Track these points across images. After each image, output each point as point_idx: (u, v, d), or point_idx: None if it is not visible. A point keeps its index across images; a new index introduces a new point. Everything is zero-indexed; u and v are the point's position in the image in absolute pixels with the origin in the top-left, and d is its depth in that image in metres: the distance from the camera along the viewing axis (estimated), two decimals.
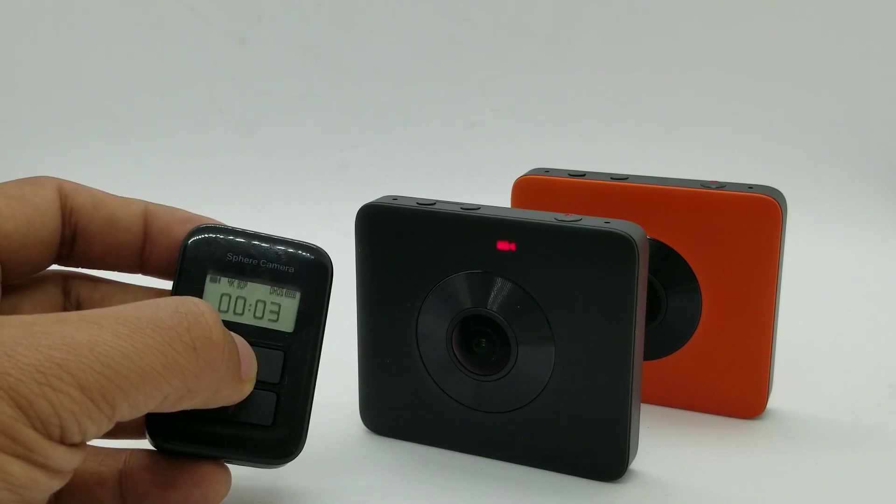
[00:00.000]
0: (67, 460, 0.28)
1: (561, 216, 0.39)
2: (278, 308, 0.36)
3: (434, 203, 0.41)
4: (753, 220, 0.44)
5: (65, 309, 0.37)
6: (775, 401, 0.48)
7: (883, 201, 0.88)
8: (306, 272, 0.36)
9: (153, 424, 0.35)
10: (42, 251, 0.35)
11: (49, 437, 0.27)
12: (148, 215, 0.37)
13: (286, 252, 0.36)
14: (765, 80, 0.94)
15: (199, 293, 0.36)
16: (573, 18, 0.96)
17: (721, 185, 0.45)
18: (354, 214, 0.42)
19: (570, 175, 0.47)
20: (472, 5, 0.96)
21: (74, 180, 0.37)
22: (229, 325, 0.34)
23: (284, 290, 0.36)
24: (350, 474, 0.42)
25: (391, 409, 0.44)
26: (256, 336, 0.35)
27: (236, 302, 0.36)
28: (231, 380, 0.32)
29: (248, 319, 0.36)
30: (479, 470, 0.42)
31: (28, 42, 0.95)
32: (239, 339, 0.34)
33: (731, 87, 0.95)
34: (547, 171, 0.48)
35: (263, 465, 0.36)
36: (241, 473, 0.41)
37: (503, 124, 0.95)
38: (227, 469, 0.36)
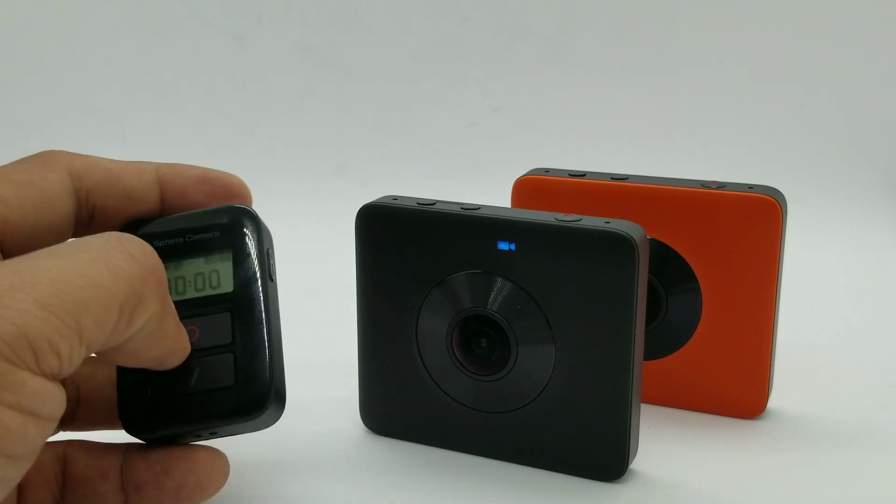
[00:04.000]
0: (44, 395, 0.26)
1: (561, 216, 0.39)
2: (217, 274, 0.35)
3: (434, 203, 0.41)
4: (753, 220, 0.44)
5: None
6: (775, 401, 0.48)
7: (883, 201, 0.88)
8: (231, 231, 0.36)
9: (128, 420, 0.34)
10: (52, 237, 0.35)
11: (23, 364, 0.26)
12: (162, 182, 0.37)
13: (205, 219, 0.36)
14: (765, 80, 0.94)
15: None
16: (573, 18, 0.96)
17: (721, 185, 0.45)
18: (354, 214, 0.42)
19: (570, 175, 0.47)
20: (472, 5, 0.96)
21: None
22: (178, 307, 0.34)
23: (217, 255, 0.35)
24: (350, 474, 0.42)
25: (391, 409, 0.44)
26: (201, 306, 0.35)
27: (177, 283, 0.36)
28: (173, 313, 0.32)
29: (190, 294, 0.35)
30: (479, 470, 0.42)
31: (28, 42, 0.95)
32: None
33: (731, 87, 0.94)
34: (547, 171, 0.48)
35: (243, 424, 0.35)
36: (240, 473, 0.41)
37: (503, 124, 0.95)
38: (222, 456, 0.35)
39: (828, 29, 0.94)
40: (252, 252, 0.36)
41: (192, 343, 0.34)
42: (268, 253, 0.36)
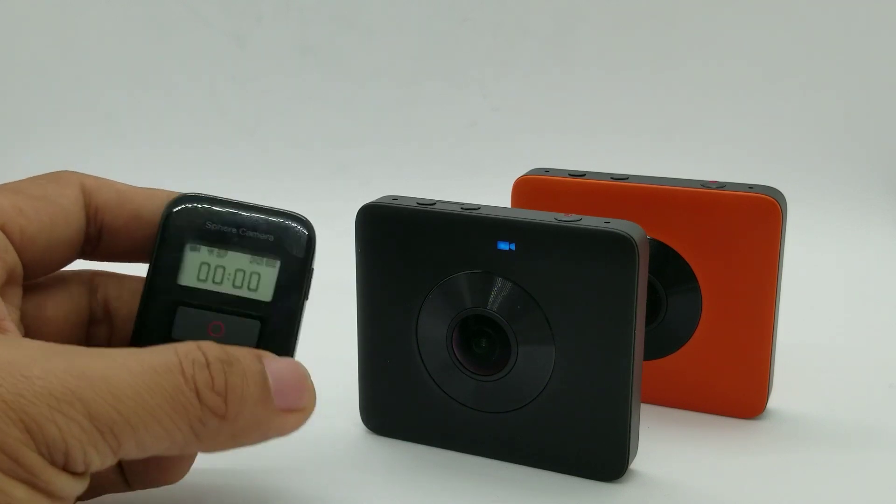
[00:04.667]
0: (70, 488, 0.28)
1: (561, 216, 0.39)
2: (258, 277, 0.35)
3: (434, 203, 0.41)
4: (753, 220, 0.44)
5: (91, 308, 0.37)
6: (775, 401, 0.48)
7: (883, 201, 0.88)
8: (287, 241, 0.36)
9: None
10: (66, 250, 0.35)
11: (53, 463, 0.27)
12: None
13: (267, 221, 0.36)
14: (765, 80, 0.94)
15: (177, 262, 0.35)
16: (573, 18, 0.96)
17: (721, 185, 0.45)
18: (354, 214, 0.42)
19: (570, 175, 0.47)
20: (472, 5, 0.96)
21: None
22: (207, 294, 0.34)
23: (265, 260, 0.35)
24: (350, 474, 0.42)
25: (391, 409, 0.44)
26: (234, 305, 0.35)
27: (215, 271, 0.35)
28: (253, 423, 0.32)
29: (226, 288, 0.35)
30: (479, 470, 0.42)
31: (28, 42, 0.95)
32: (285, 369, 0.33)
33: (731, 86, 0.94)
34: (547, 171, 0.48)
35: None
36: (240, 473, 0.41)
37: (503, 124, 0.95)
38: None
39: (828, 29, 0.94)
40: (300, 269, 0.35)
41: (216, 339, 0.34)
42: (311, 271, 0.36)
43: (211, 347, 0.31)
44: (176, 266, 0.35)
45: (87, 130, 0.93)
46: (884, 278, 0.72)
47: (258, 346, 0.35)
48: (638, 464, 0.42)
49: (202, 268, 0.35)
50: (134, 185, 0.37)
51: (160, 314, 0.35)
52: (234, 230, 0.36)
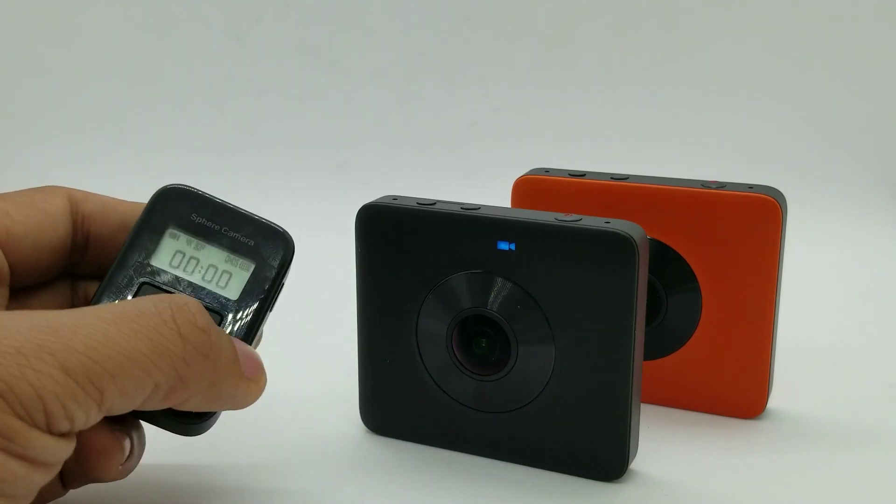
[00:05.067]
0: (52, 450, 0.27)
1: (561, 216, 0.39)
2: (229, 277, 0.36)
3: (434, 203, 0.41)
4: (753, 220, 0.44)
5: (73, 305, 0.37)
6: (775, 401, 0.48)
7: (883, 201, 0.88)
8: (266, 250, 0.36)
9: None
10: (52, 256, 0.36)
11: (34, 424, 0.26)
12: None
13: (252, 226, 0.36)
14: (765, 80, 0.94)
15: (155, 244, 0.36)
16: (573, 18, 0.96)
17: (721, 185, 0.45)
18: (354, 214, 0.42)
19: (570, 175, 0.47)
20: (472, 5, 0.96)
21: (75, 180, 0.38)
22: (175, 280, 0.35)
23: (240, 261, 0.36)
24: (350, 474, 0.42)
25: (391, 409, 0.44)
26: (198, 295, 0.35)
27: (189, 261, 0.36)
28: (230, 374, 0.32)
29: (195, 279, 0.36)
30: (479, 470, 0.42)
31: (28, 42, 0.95)
32: (238, 342, 0.34)
33: (731, 87, 0.94)
34: (547, 171, 0.48)
35: (180, 432, 0.35)
36: (240, 473, 0.41)
37: (503, 124, 0.95)
38: (118, 440, 0.34)
39: (828, 29, 0.94)
40: (271, 277, 0.36)
41: None
42: (281, 285, 0.36)
43: (182, 294, 0.32)
44: (152, 247, 0.36)
45: (87, 130, 0.93)
46: (883, 278, 0.72)
47: None
48: (638, 464, 0.42)
49: (177, 255, 0.36)
50: (128, 192, 0.38)
51: (123, 287, 0.35)
52: (217, 227, 0.36)
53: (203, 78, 0.95)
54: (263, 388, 0.34)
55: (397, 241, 0.42)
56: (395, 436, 0.45)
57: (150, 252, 0.36)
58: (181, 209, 0.36)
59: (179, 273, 0.36)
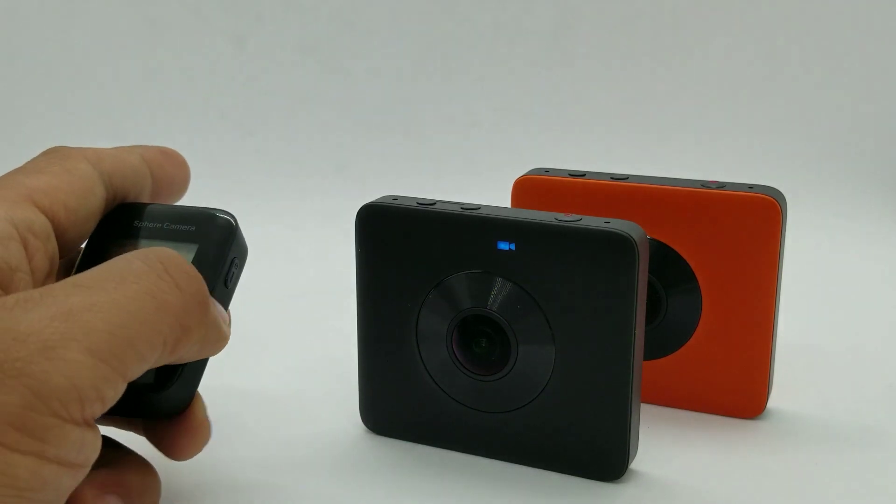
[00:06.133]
0: (84, 444, 0.27)
1: (561, 216, 0.39)
2: None
3: (434, 203, 0.41)
4: (753, 220, 0.44)
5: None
6: (775, 401, 0.48)
7: (883, 201, 0.88)
8: (206, 229, 0.36)
9: None
10: (94, 223, 0.35)
11: (69, 418, 0.26)
12: (143, 157, 0.38)
13: (191, 214, 0.37)
14: (765, 80, 0.94)
15: (100, 255, 0.36)
16: (573, 18, 0.96)
17: (721, 185, 0.45)
18: (354, 214, 0.42)
19: (570, 175, 0.47)
20: (472, 5, 0.96)
21: None
22: None
23: (182, 246, 0.36)
24: (350, 474, 0.42)
25: (391, 409, 0.44)
26: None
27: None
28: (215, 320, 0.32)
29: None
30: (479, 470, 0.42)
31: (27, 42, 0.95)
32: None
33: (731, 86, 0.95)
34: (547, 171, 0.48)
35: (152, 416, 0.35)
36: (240, 473, 0.41)
37: (503, 124, 0.95)
38: (152, 472, 0.34)
39: (828, 28, 0.94)
40: (214, 254, 0.36)
41: None
42: (233, 262, 0.36)
43: (160, 247, 0.32)
44: (96, 258, 0.36)
45: (87, 130, 0.93)
46: (884, 278, 0.72)
47: None
48: (638, 464, 0.42)
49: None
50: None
51: None
52: (157, 224, 0.37)
53: (203, 78, 0.95)
54: (227, 340, 0.34)
55: (397, 241, 0.42)
56: (395, 436, 0.45)
57: (96, 261, 0.35)
58: (122, 220, 0.37)
59: None
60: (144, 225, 0.37)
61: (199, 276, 0.32)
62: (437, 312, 0.42)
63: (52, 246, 0.33)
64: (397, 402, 0.44)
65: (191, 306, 0.31)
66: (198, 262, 0.35)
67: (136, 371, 0.28)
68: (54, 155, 0.35)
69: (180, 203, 0.38)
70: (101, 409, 0.27)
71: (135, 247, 0.36)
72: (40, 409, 0.25)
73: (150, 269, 0.30)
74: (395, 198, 0.42)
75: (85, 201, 0.34)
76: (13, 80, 0.95)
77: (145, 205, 0.38)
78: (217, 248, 0.36)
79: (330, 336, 0.56)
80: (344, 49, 0.96)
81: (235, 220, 0.37)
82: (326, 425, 0.46)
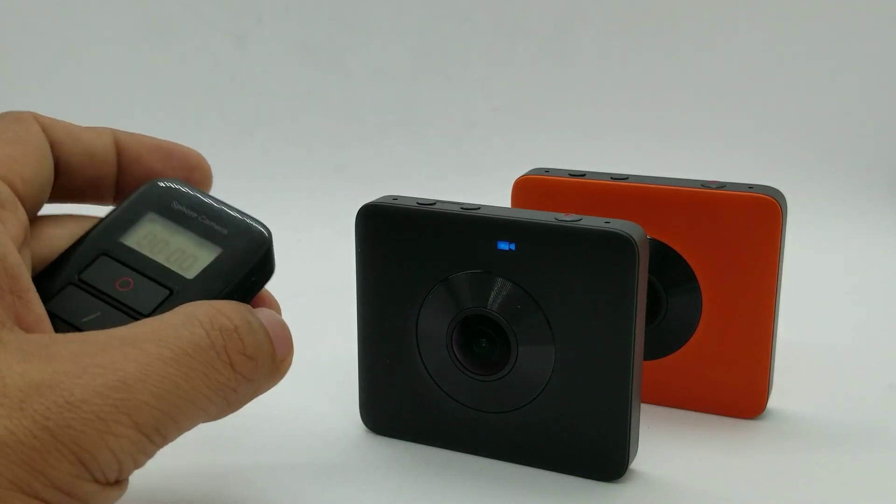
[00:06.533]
0: (113, 500, 0.28)
1: (561, 216, 0.39)
2: (194, 259, 0.35)
3: (434, 203, 0.41)
4: (753, 220, 0.44)
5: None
6: (775, 401, 0.48)
7: (883, 201, 0.88)
8: (236, 238, 0.35)
9: None
10: (47, 191, 0.34)
11: (106, 482, 0.27)
12: (119, 145, 0.37)
13: (228, 216, 0.36)
14: (765, 80, 0.94)
15: (130, 224, 0.35)
16: (573, 18, 0.96)
17: (721, 185, 0.45)
18: (354, 214, 0.42)
19: (570, 175, 0.47)
20: (472, 5, 0.96)
21: None
22: (136, 256, 0.34)
23: (208, 245, 0.35)
24: (350, 474, 0.42)
25: (391, 409, 0.44)
26: (155, 272, 0.34)
27: (157, 243, 0.35)
28: (267, 378, 0.32)
29: (158, 258, 0.35)
30: (479, 470, 0.42)
31: (27, 42, 0.95)
32: (272, 319, 0.33)
33: (731, 86, 0.95)
34: (547, 171, 0.48)
35: None
36: (240, 473, 0.41)
37: (503, 124, 0.95)
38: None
39: (828, 28, 0.94)
40: (232, 266, 0.35)
41: (118, 292, 0.34)
42: (253, 281, 0.35)
43: (227, 307, 0.31)
44: (126, 227, 0.35)
45: None
46: (884, 278, 0.72)
47: (155, 310, 0.34)
48: (638, 464, 0.42)
49: (148, 237, 0.35)
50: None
51: (83, 255, 0.35)
52: (195, 214, 0.36)
53: (203, 78, 0.95)
54: (290, 362, 0.34)
55: (397, 241, 0.42)
56: (395, 436, 0.45)
57: (123, 230, 0.35)
58: (164, 196, 0.36)
59: (145, 252, 0.35)
60: (182, 210, 0.36)
61: (256, 358, 0.31)
62: (437, 312, 0.42)
63: (22, 214, 0.32)
64: (397, 402, 0.44)
65: (240, 386, 0.30)
66: (214, 267, 0.35)
67: (172, 440, 0.29)
68: (8, 119, 0.34)
69: (228, 201, 0.37)
70: (133, 471, 0.28)
71: (167, 229, 0.35)
72: (86, 477, 0.26)
73: (210, 345, 0.29)
74: (395, 198, 0.42)
75: (40, 170, 0.33)
76: (13, 80, 0.95)
77: (192, 189, 0.37)
78: (238, 261, 0.35)
79: (330, 336, 0.56)
80: (344, 49, 0.96)
81: (269, 240, 0.36)
82: (326, 425, 0.46)
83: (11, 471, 0.25)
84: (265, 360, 0.31)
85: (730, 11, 0.96)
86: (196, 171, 0.38)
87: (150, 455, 0.28)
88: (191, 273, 0.35)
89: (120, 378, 0.27)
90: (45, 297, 0.33)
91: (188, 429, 0.29)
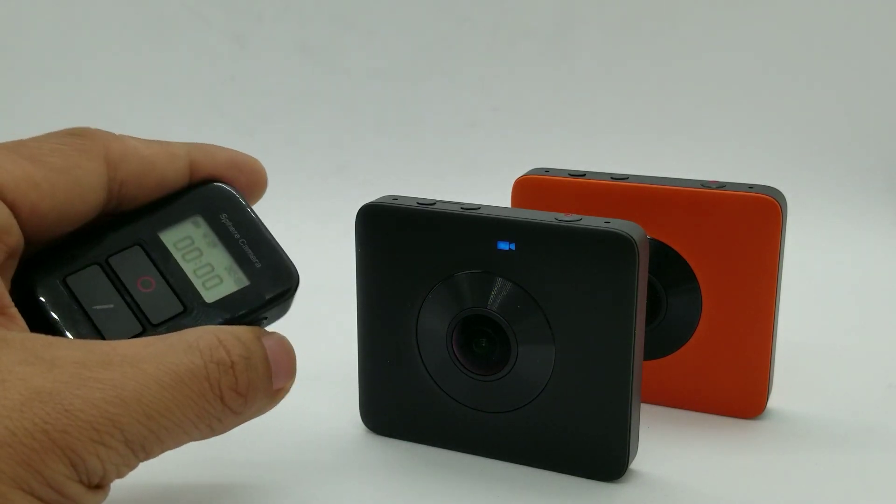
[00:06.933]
0: (97, 502, 0.29)
1: (561, 216, 0.39)
2: (219, 282, 0.35)
3: (434, 203, 0.41)
4: (753, 220, 0.44)
5: None
6: (775, 401, 0.48)
7: (883, 201, 0.88)
8: (266, 274, 0.35)
9: None
10: (76, 223, 0.34)
11: (90, 485, 0.28)
12: (193, 167, 0.36)
13: (267, 248, 0.36)
14: (765, 80, 0.94)
15: (174, 220, 0.35)
16: (573, 18, 0.96)
17: (721, 185, 0.45)
18: (354, 214, 0.42)
19: (570, 175, 0.47)
20: (472, 5, 0.96)
21: None
22: (167, 257, 0.34)
23: (236, 272, 0.35)
24: (350, 474, 0.42)
25: (391, 409, 0.44)
26: (178, 283, 0.34)
27: (191, 251, 0.35)
28: (257, 411, 0.33)
29: (186, 267, 0.35)
30: (479, 470, 0.42)
31: (27, 42, 0.95)
32: (277, 347, 0.33)
33: (731, 86, 0.94)
34: (547, 171, 0.48)
35: None
36: (239, 473, 0.41)
37: (503, 124, 0.95)
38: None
39: (828, 28, 0.94)
40: (255, 302, 0.35)
41: (137, 291, 0.34)
42: (263, 319, 0.35)
43: (230, 340, 0.32)
44: (169, 221, 0.35)
45: None
46: (884, 278, 0.72)
47: (162, 323, 0.34)
48: (638, 464, 0.42)
49: (185, 240, 0.35)
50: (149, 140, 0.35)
51: (119, 238, 0.34)
52: (237, 235, 0.36)
53: (203, 78, 0.95)
54: (285, 395, 0.35)
55: (397, 241, 0.42)
56: (395, 436, 0.45)
57: (164, 224, 0.35)
58: (216, 205, 0.36)
59: (177, 256, 0.35)
60: (227, 225, 0.36)
61: (246, 396, 0.32)
62: (437, 312, 0.42)
63: (15, 238, 0.31)
64: (397, 402, 0.44)
65: (225, 417, 0.32)
66: (234, 298, 0.34)
67: (155, 456, 0.30)
68: (73, 143, 0.33)
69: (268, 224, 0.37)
70: (112, 482, 0.29)
71: (206, 239, 0.35)
72: (73, 478, 0.28)
73: (205, 376, 0.31)
74: (395, 198, 0.42)
75: (67, 207, 0.32)
76: (12, 80, 0.95)
77: (245, 207, 0.36)
78: (258, 300, 0.35)
79: (330, 336, 0.56)
80: (344, 49, 0.96)
81: (295, 287, 0.35)
82: (326, 425, 0.46)
83: (13, 469, 0.26)
84: (256, 395, 0.32)
85: (730, 11, 0.96)
86: (256, 188, 0.38)
87: (132, 468, 0.29)
88: (210, 297, 0.35)
89: (118, 395, 0.28)
90: (68, 268, 0.33)
91: (171, 448, 0.30)
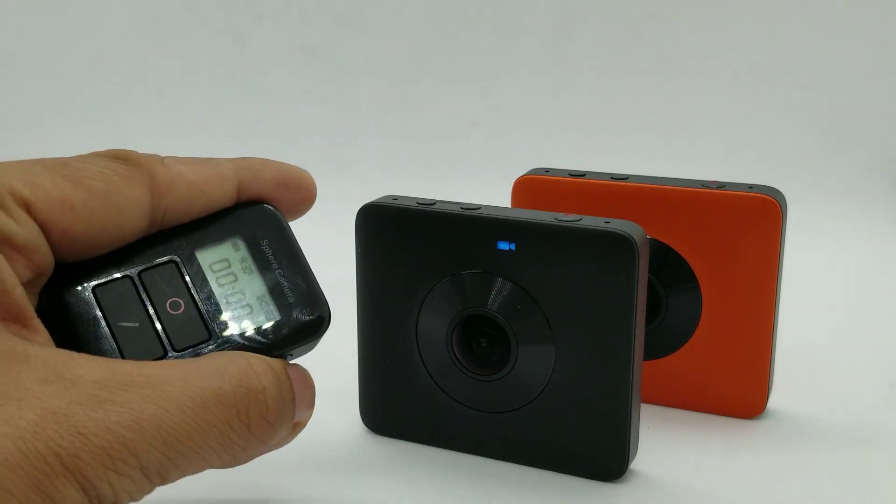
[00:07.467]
0: None
1: (561, 216, 0.39)
2: (249, 312, 0.34)
3: (434, 203, 0.41)
4: (753, 220, 0.44)
5: None
6: (775, 401, 0.48)
7: (883, 201, 0.88)
8: (298, 312, 0.34)
9: None
10: (109, 248, 0.32)
11: None
12: (241, 188, 0.35)
13: (303, 283, 0.35)
14: (765, 80, 0.94)
15: (215, 240, 0.34)
16: (573, 18, 0.96)
17: (721, 185, 0.45)
18: (354, 214, 0.42)
19: (570, 175, 0.47)
20: (472, 5, 0.96)
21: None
22: (202, 280, 0.33)
23: (268, 305, 0.34)
24: (350, 474, 0.42)
25: (391, 409, 0.44)
26: (208, 309, 0.33)
27: (226, 275, 0.34)
28: (280, 441, 0.32)
29: (218, 292, 0.34)
30: (479, 470, 0.42)
31: (27, 42, 0.95)
32: (302, 381, 0.33)
33: (731, 86, 0.94)
34: (547, 171, 0.48)
35: None
36: (239, 473, 0.41)
37: (503, 124, 0.95)
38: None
39: (828, 28, 0.94)
40: (280, 341, 0.34)
41: (165, 312, 0.33)
42: (290, 353, 0.34)
43: (262, 367, 0.31)
44: (208, 239, 0.34)
45: (87, 131, 0.93)
46: (884, 278, 0.72)
47: (185, 350, 0.33)
48: (638, 464, 0.42)
49: (222, 262, 0.34)
50: (197, 160, 0.34)
51: (155, 251, 0.33)
52: (275, 265, 0.34)
53: (203, 78, 0.95)
54: (301, 429, 0.34)
55: (397, 241, 0.42)
56: (395, 436, 0.45)
57: (204, 243, 0.34)
58: (259, 230, 0.35)
59: (210, 278, 0.34)
60: (267, 253, 0.34)
61: (275, 424, 0.31)
62: (437, 312, 0.42)
63: (42, 257, 0.30)
64: (397, 402, 0.44)
65: (249, 446, 0.30)
66: (261, 332, 0.33)
67: (172, 482, 0.29)
68: (118, 167, 0.32)
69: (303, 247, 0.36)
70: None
71: (242, 265, 0.34)
72: (85, 503, 0.27)
73: (233, 402, 0.29)
74: (395, 198, 0.42)
75: (102, 232, 0.31)
76: (12, 80, 0.95)
77: (287, 236, 0.35)
78: (286, 338, 0.34)
79: (330, 336, 0.56)
80: (344, 49, 0.96)
81: (326, 327, 0.35)
82: (326, 425, 0.46)
83: (24, 493, 0.25)
84: (283, 425, 0.32)
85: (730, 12, 0.96)
86: (304, 204, 0.37)
87: (147, 493, 0.28)
88: (236, 327, 0.33)
89: (135, 419, 0.27)
90: (99, 275, 0.32)
91: (189, 475, 0.29)
